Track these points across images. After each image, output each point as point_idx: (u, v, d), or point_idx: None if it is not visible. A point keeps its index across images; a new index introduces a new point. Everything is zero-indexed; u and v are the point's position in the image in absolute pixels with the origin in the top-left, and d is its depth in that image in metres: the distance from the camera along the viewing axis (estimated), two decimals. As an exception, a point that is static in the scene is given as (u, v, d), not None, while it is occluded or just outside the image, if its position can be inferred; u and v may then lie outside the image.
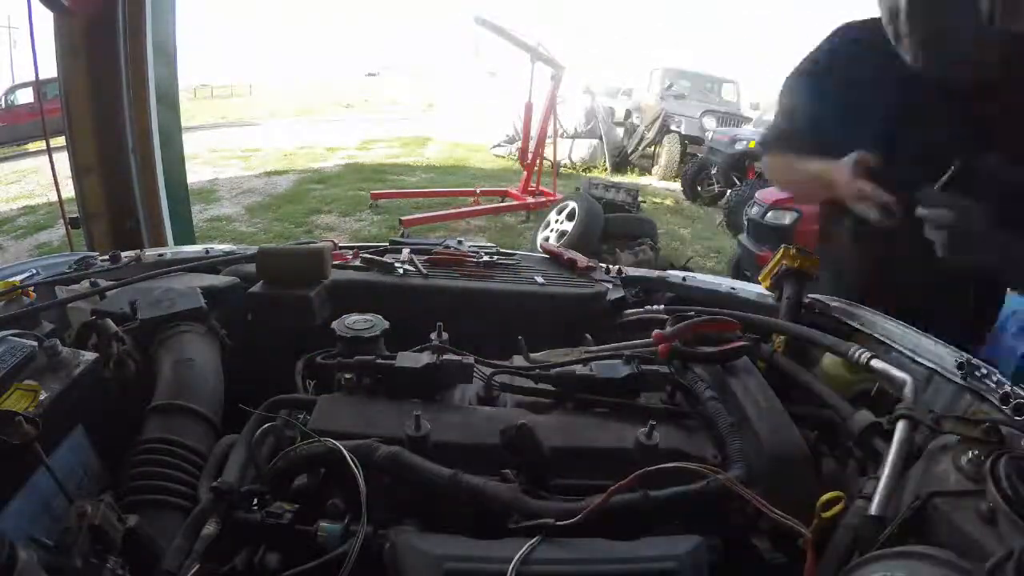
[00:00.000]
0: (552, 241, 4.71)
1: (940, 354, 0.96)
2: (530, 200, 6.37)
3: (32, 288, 1.06)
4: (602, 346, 1.01)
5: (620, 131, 9.97)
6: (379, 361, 0.85)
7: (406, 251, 1.34)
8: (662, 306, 1.18)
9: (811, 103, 1.22)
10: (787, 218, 4.90)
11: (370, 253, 1.32)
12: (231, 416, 0.86)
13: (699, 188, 7.96)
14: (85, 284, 1.10)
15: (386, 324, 0.94)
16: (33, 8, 2.65)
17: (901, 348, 1.00)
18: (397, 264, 1.26)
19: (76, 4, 2.72)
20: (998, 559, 0.49)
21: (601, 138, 9.32)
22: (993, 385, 0.85)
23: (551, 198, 6.17)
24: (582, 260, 1.34)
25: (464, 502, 0.65)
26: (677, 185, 8.46)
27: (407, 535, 0.61)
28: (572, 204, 4.92)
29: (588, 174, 8.37)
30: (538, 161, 6.52)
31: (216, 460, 0.77)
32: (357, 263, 1.28)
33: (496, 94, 11.04)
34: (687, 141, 9.36)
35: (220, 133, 12.22)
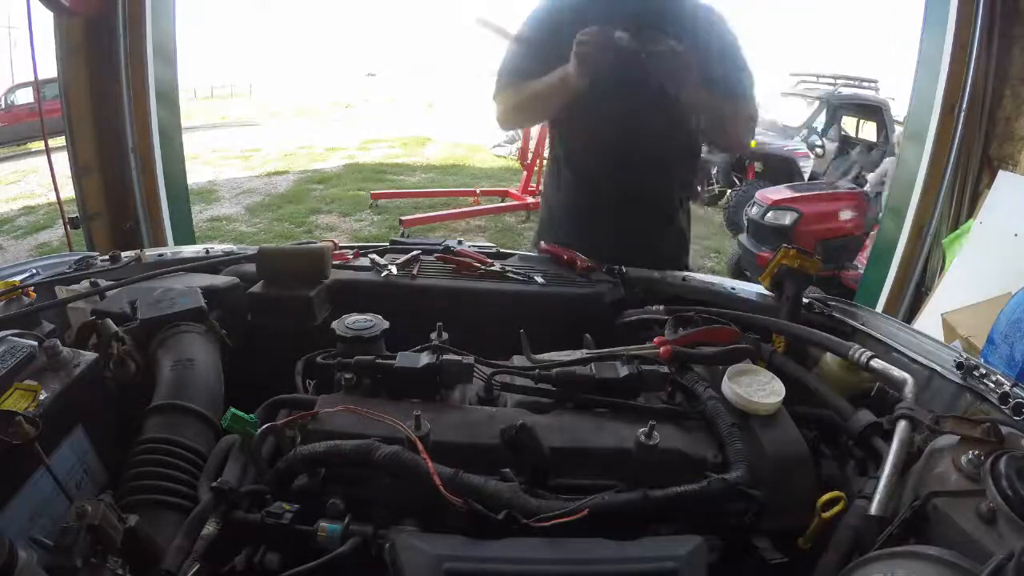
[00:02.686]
0: (552, 241, 4.69)
1: (940, 354, 0.96)
2: (530, 200, 6.37)
3: (32, 288, 1.06)
4: (602, 350, 1.01)
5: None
6: (379, 361, 0.85)
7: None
8: (662, 306, 1.18)
9: (546, 30, 1.46)
10: (787, 218, 4.92)
11: (372, 253, 1.32)
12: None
13: (699, 188, 7.96)
14: (85, 284, 1.10)
15: (386, 324, 0.94)
16: (33, 8, 2.65)
17: (901, 348, 1.00)
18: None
19: (76, 4, 2.72)
20: (998, 560, 0.49)
21: (601, 138, 9.31)
22: (993, 385, 0.85)
23: (551, 198, 6.15)
24: (582, 260, 1.34)
25: (464, 502, 0.65)
26: (677, 185, 8.43)
27: (407, 535, 0.61)
28: (572, 204, 4.91)
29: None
30: (538, 161, 6.52)
31: (216, 460, 0.77)
32: (357, 263, 1.28)
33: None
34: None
35: (220, 133, 12.22)
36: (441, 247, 1.36)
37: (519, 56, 1.52)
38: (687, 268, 1.58)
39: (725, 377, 0.85)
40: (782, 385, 0.84)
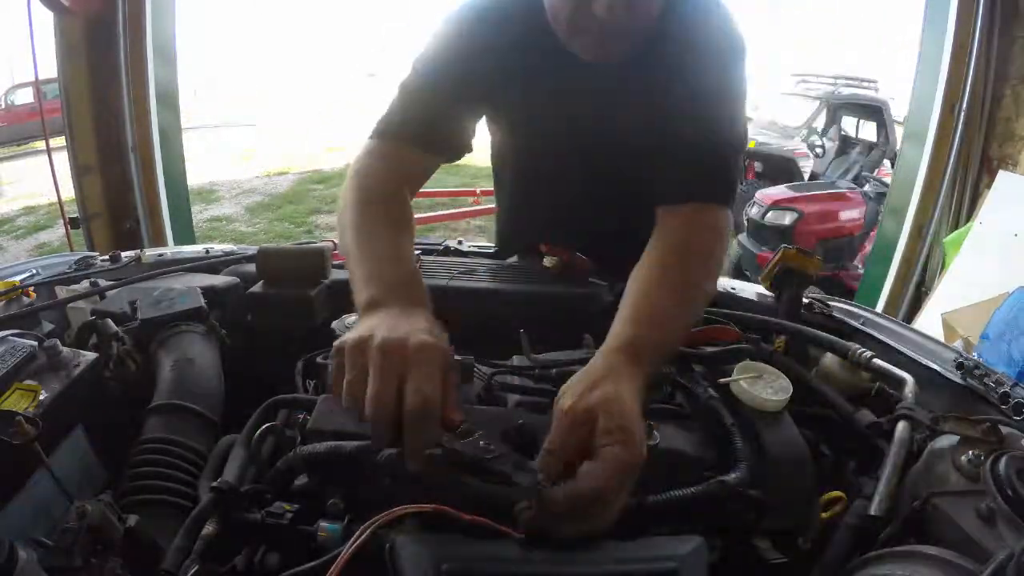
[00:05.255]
0: (552, 241, 4.69)
1: (940, 354, 0.96)
2: (530, 200, 6.36)
3: (32, 288, 1.06)
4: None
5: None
6: (379, 361, 0.84)
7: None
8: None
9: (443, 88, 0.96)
10: (787, 218, 4.92)
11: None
12: (231, 416, 0.86)
13: None
14: (85, 284, 1.10)
15: (386, 324, 0.94)
16: (33, 8, 2.65)
17: (901, 348, 1.00)
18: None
19: (76, 4, 2.72)
20: (998, 560, 0.49)
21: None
22: (993, 385, 0.85)
23: (551, 198, 6.15)
24: (581, 260, 1.34)
25: (465, 504, 0.65)
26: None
27: (407, 535, 0.61)
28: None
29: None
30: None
31: (216, 460, 0.77)
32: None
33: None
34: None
35: (220, 133, 12.22)
36: (441, 247, 1.36)
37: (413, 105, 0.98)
38: None
39: (734, 374, 0.85)
40: (789, 383, 0.84)
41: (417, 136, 0.97)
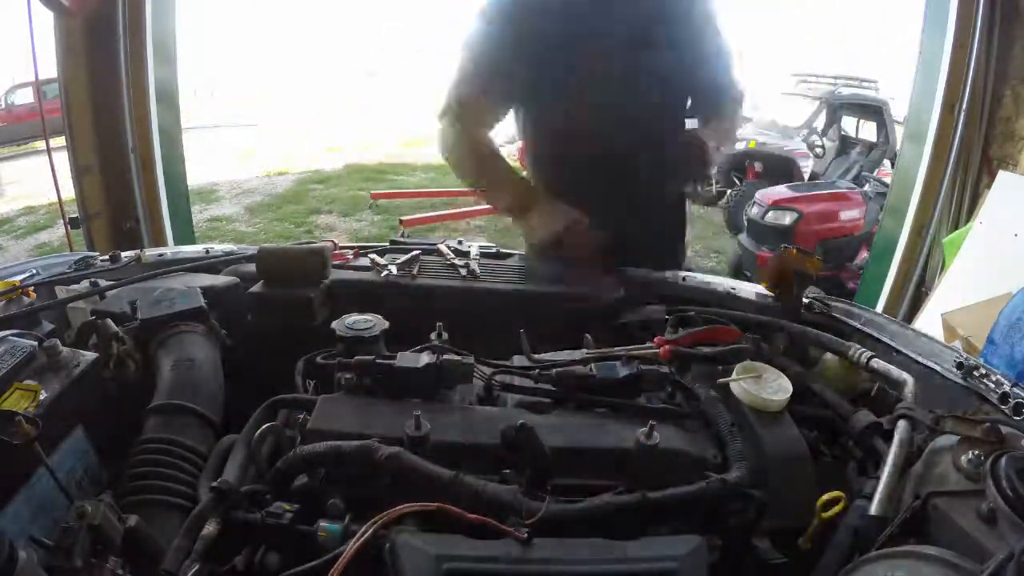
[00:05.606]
0: (552, 241, 4.69)
1: (940, 354, 0.96)
2: (530, 200, 6.35)
3: (32, 288, 1.06)
4: (602, 350, 1.01)
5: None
6: (379, 361, 0.85)
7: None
8: (662, 306, 1.18)
9: (500, 46, 1.30)
10: (787, 218, 4.92)
11: (372, 253, 1.32)
12: (231, 416, 0.86)
13: (699, 188, 7.94)
14: (85, 284, 1.10)
15: (386, 324, 0.94)
16: (33, 8, 2.65)
17: (901, 348, 1.00)
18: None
19: (76, 4, 2.72)
20: (998, 560, 0.49)
21: (601, 138, 9.31)
22: (993, 385, 0.85)
23: (551, 198, 6.15)
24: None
25: (465, 504, 0.65)
26: (677, 185, 8.43)
27: (407, 535, 0.61)
28: (572, 204, 4.91)
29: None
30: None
31: (216, 460, 0.77)
32: (357, 263, 1.28)
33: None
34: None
35: (220, 133, 12.22)
36: (441, 247, 1.36)
37: (482, 70, 1.33)
38: (683, 256, 1.66)
39: (734, 374, 0.85)
40: (789, 383, 0.84)
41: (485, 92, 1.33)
